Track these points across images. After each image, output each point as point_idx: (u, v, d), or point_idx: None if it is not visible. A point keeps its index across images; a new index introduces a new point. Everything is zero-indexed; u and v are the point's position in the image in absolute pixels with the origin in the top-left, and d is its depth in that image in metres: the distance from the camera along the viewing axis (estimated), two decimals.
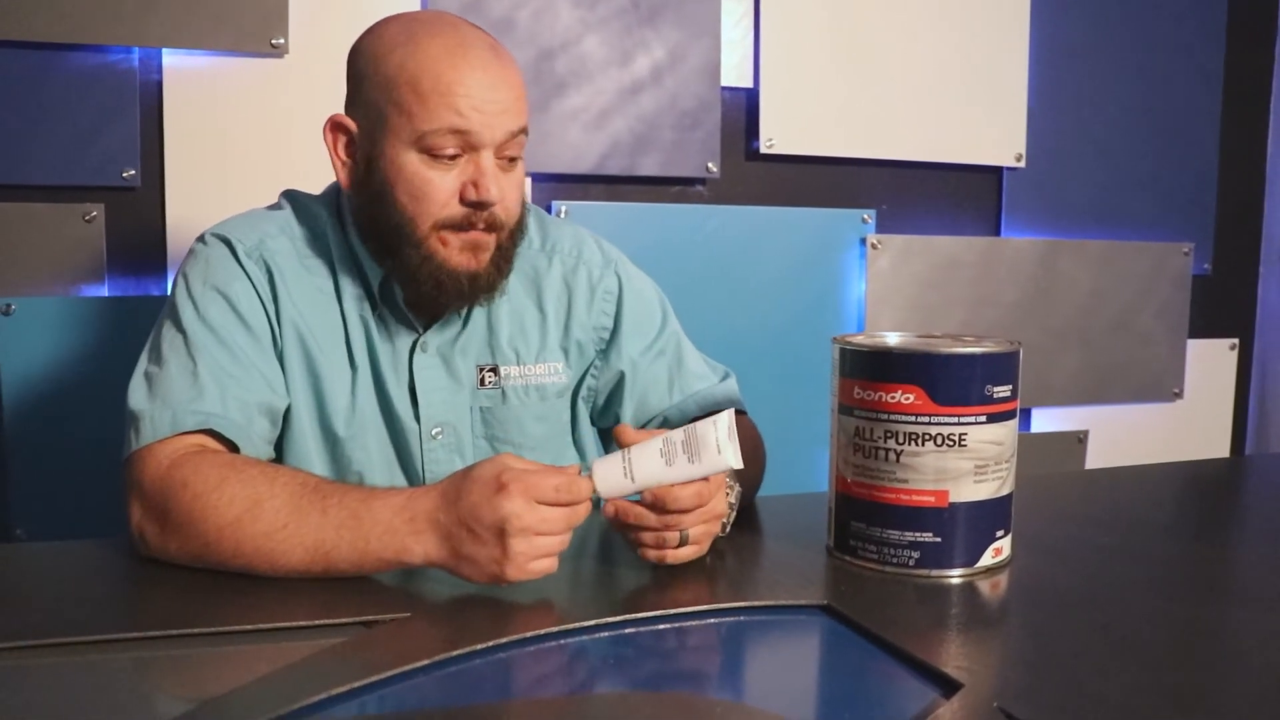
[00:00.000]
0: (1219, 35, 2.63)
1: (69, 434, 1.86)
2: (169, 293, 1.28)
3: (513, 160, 1.26)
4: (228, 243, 1.28)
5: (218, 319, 1.23)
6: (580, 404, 1.44)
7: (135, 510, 1.12)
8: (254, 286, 1.27)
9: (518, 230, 1.31)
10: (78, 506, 1.86)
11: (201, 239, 1.31)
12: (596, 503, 1.08)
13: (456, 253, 1.25)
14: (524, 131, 1.25)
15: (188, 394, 1.16)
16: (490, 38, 1.26)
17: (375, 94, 1.24)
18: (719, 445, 1.05)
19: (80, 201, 1.88)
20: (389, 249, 1.27)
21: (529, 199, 2.07)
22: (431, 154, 1.21)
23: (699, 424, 1.06)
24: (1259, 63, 2.71)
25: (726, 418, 1.06)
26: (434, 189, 1.22)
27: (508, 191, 1.25)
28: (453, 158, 1.22)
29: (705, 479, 1.07)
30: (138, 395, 1.18)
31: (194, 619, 0.97)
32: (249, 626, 0.96)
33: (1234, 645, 0.98)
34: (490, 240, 1.26)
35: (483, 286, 1.28)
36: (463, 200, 1.23)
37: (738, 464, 1.05)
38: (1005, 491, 1.12)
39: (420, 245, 1.24)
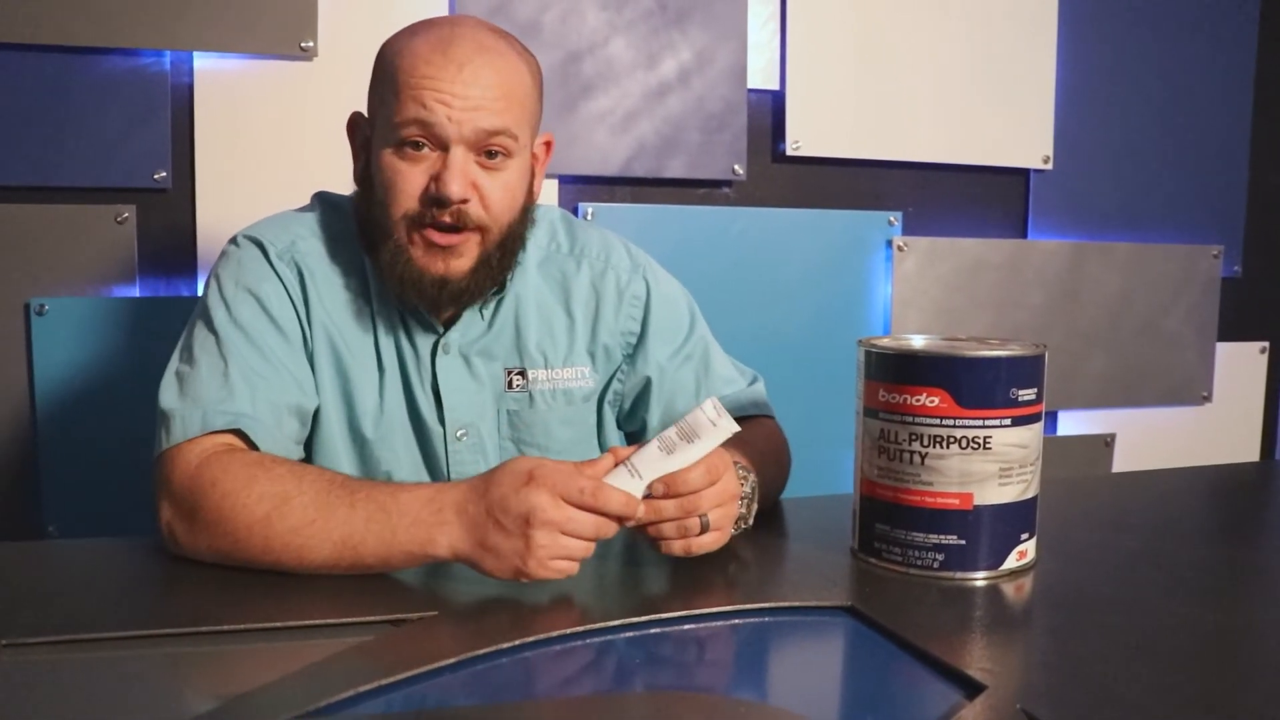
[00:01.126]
0: (1250, 35, 2.62)
1: (100, 432, 1.88)
2: (201, 293, 1.30)
3: (500, 158, 1.25)
4: (259, 244, 1.30)
5: (249, 320, 1.24)
6: (606, 408, 1.45)
7: (165, 508, 1.13)
8: (285, 288, 1.28)
9: (511, 238, 1.29)
10: (108, 504, 1.88)
11: (234, 240, 1.32)
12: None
13: (423, 253, 1.25)
14: (506, 134, 1.23)
15: (218, 394, 1.17)
16: (493, 39, 1.25)
17: (375, 90, 1.28)
18: (712, 420, 1.07)
19: (112, 203, 1.90)
20: (372, 244, 1.28)
21: (554, 201, 2.09)
22: (402, 146, 1.22)
23: (688, 415, 1.08)
24: None
25: (710, 400, 1.08)
26: (402, 180, 1.23)
27: (489, 192, 1.24)
28: (419, 150, 1.22)
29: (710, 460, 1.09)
30: (169, 395, 1.19)
31: (224, 616, 0.98)
32: (279, 624, 0.96)
33: (1261, 649, 0.98)
34: (469, 245, 1.25)
35: (455, 293, 1.28)
36: (425, 195, 1.23)
37: (735, 427, 1.07)
38: (1030, 494, 1.12)
39: (393, 240, 1.25)
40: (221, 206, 1.95)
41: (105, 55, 1.87)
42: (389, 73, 1.23)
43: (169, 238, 1.96)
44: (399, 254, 1.24)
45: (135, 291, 1.92)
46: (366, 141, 1.30)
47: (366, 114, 1.31)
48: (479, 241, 1.26)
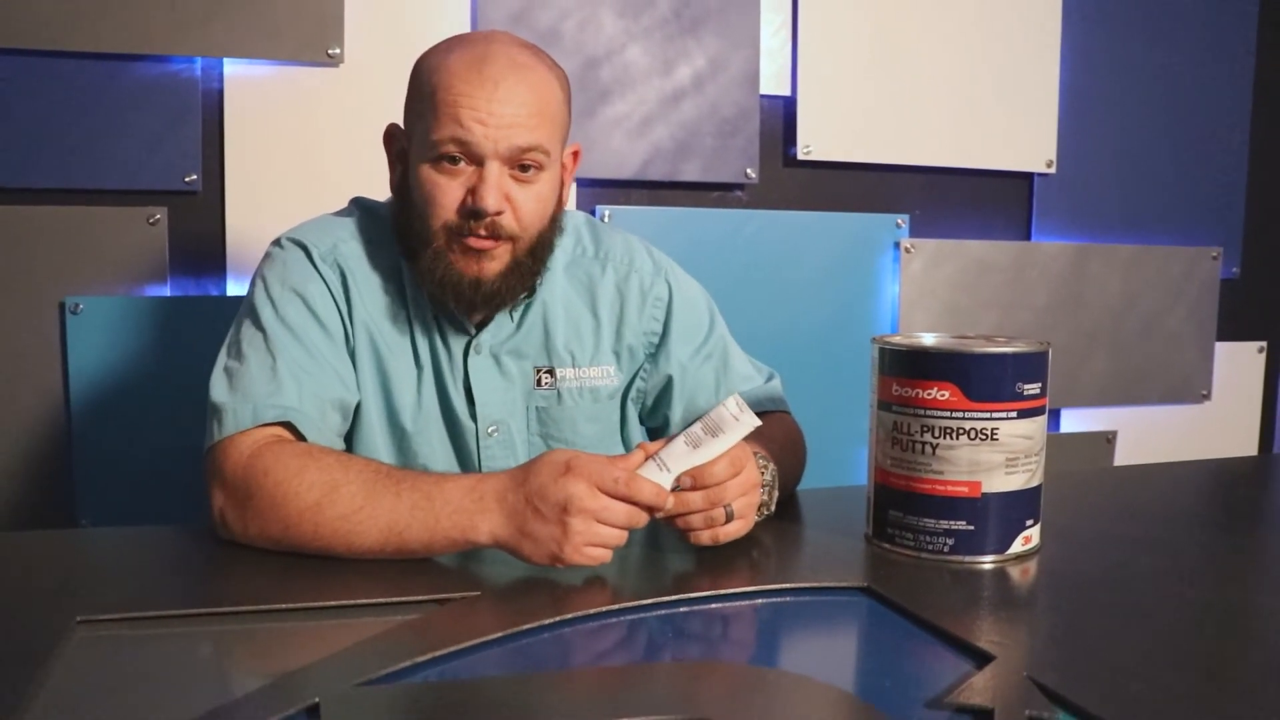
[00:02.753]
0: (1249, 40, 2.65)
1: (132, 428, 1.92)
2: (246, 293, 1.34)
3: (533, 172, 1.29)
4: (303, 247, 1.34)
5: (295, 318, 1.29)
6: (630, 405, 1.49)
7: (218, 497, 1.17)
8: (328, 288, 1.33)
9: (541, 245, 1.34)
10: (140, 498, 1.93)
11: (278, 243, 1.37)
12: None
13: (459, 257, 1.29)
14: (539, 150, 1.28)
15: (267, 388, 1.22)
16: (526, 55, 1.29)
17: (412, 105, 1.32)
18: (735, 416, 1.11)
19: (144, 205, 1.94)
20: (411, 252, 1.32)
21: (572, 203, 2.13)
22: (439, 161, 1.27)
23: (711, 411, 1.12)
24: None
25: (733, 396, 1.13)
26: (441, 193, 1.27)
27: (521, 204, 1.29)
28: (456, 164, 1.26)
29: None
30: (219, 389, 1.23)
31: (277, 596, 1.02)
32: (330, 603, 1.00)
33: (1255, 625, 1.02)
34: (501, 251, 1.30)
35: (489, 295, 1.32)
36: (463, 207, 1.27)
37: (756, 422, 1.12)
38: (1035, 483, 1.17)
39: (432, 248, 1.29)
40: (250, 209, 2.00)
41: (138, 62, 1.92)
42: (425, 89, 1.28)
43: (199, 239, 2.00)
44: (438, 259, 1.29)
45: (166, 291, 1.96)
46: (403, 153, 1.34)
47: (403, 126, 1.35)
48: (510, 249, 1.31)
